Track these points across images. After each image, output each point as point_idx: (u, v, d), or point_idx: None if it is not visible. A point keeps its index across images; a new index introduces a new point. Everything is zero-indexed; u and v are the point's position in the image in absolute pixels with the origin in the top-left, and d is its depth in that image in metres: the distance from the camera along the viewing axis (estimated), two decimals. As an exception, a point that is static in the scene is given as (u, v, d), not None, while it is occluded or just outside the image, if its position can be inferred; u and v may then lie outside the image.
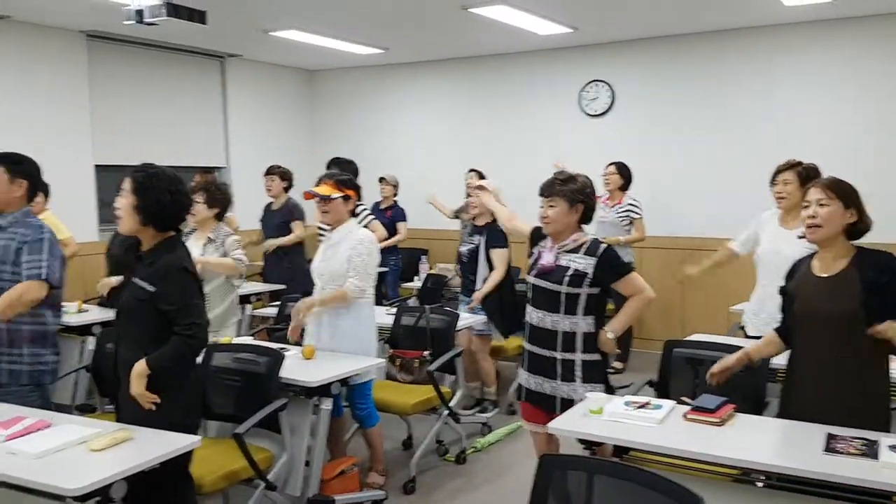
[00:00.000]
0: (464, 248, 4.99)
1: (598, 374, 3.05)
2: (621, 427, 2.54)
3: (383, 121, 8.25)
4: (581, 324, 3.02)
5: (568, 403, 2.96)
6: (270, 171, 5.85)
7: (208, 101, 7.62)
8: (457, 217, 6.72)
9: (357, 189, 3.84)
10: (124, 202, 2.67)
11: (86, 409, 4.06)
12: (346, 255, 3.63)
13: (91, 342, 4.67)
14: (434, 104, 8.00)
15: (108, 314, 4.61)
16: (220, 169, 7.74)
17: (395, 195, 7.01)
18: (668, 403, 2.71)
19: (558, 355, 3.04)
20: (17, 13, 5.69)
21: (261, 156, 7.48)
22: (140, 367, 2.60)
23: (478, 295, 4.79)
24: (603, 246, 3.06)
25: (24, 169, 3.22)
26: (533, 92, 7.37)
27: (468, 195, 5.19)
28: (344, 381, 3.43)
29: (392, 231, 6.63)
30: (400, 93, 8.16)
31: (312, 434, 3.35)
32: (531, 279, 3.11)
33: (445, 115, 7.92)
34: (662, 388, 3.27)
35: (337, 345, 3.67)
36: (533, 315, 3.10)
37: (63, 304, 3.56)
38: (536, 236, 3.25)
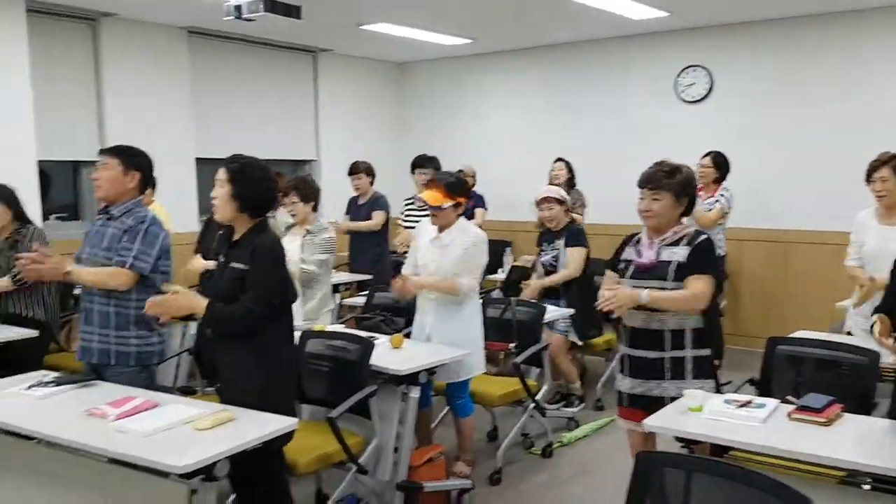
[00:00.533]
0: (547, 257, 4.95)
1: (708, 370, 2.96)
2: (722, 426, 2.46)
3: (469, 111, 8.24)
4: (689, 320, 2.93)
5: None
6: (356, 170, 5.97)
7: (300, 95, 7.80)
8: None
9: (466, 192, 3.86)
10: (221, 191, 2.80)
11: (187, 392, 4.25)
12: (458, 253, 3.70)
13: (192, 327, 4.90)
14: (521, 93, 7.92)
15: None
16: (310, 162, 7.93)
17: (472, 186, 7.00)
18: (771, 402, 2.61)
19: (667, 355, 2.93)
20: (124, 11, 5.98)
21: (349, 148, 7.63)
22: (198, 305, 2.73)
23: (535, 283, 4.77)
24: (703, 237, 2.96)
25: (137, 161, 3.33)
26: (626, 78, 7.21)
27: (550, 183, 5.13)
28: (432, 371, 3.47)
29: (470, 219, 6.64)
30: (487, 83, 8.13)
31: (400, 421, 3.40)
32: (628, 281, 2.98)
33: (533, 104, 7.84)
34: (764, 387, 3.14)
35: (448, 335, 3.74)
36: (636, 318, 2.96)
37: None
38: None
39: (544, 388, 4.35)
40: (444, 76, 8.39)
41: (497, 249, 6.96)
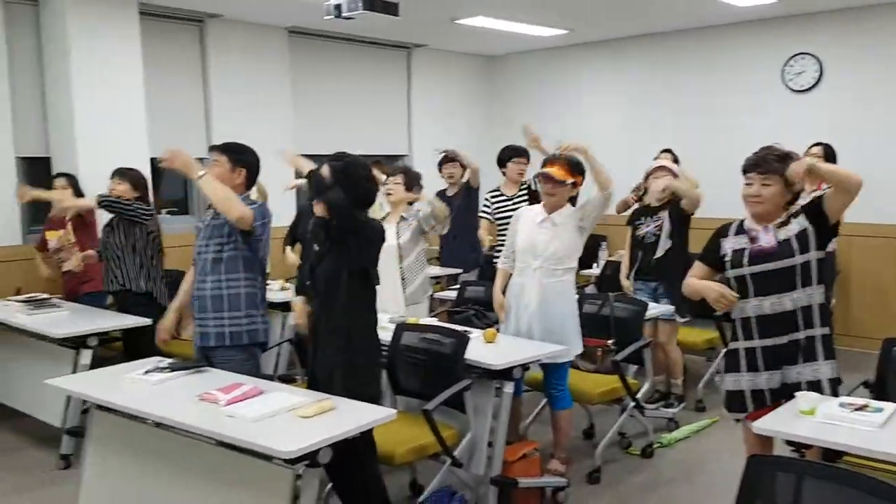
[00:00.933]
0: (650, 228, 4.80)
1: (833, 350, 2.88)
2: (837, 430, 2.34)
3: (563, 104, 8.13)
4: (815, 294, 2.83)
5: (814, 386, 2.77)
6: (451, 159, 5.96)
7: (394, 91, 7.91)
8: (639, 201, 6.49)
9: (584, 174, 3.83)
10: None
11: (286, 380, 4.39)
12: (571, 233, 3.71)
13: (291, 317, 5.06)
14: (618, 84, 7.76)
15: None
16: (403, 157, 8.03)
17: None
18: (889, 406, 2.46)
19: (801, 335, 2.83)
20: (229, 12, 6.22)
21: (443, 144, 7.66)
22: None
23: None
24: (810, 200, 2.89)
25: (245, 158, 3.45)
26: (730, 67, 6.94)
27: (647, 176, 4.98)
28: (526, 367, 3.45)
29: None
30: (583, 74, 8.00)
31: (494, 416, 3.39)
32: (747, 270, 2.86)
33: (630, 95, 7.66)
34: (880, 390, 2.96)
35: (552, 323, 3.72)
36: (764, 304, 2.85)
37: (268, 281, 3.85)
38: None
39: (645, 386, 4.25)
40: (538, 68, 8.31)
41: (592, 244, 6.87)
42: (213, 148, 3.52)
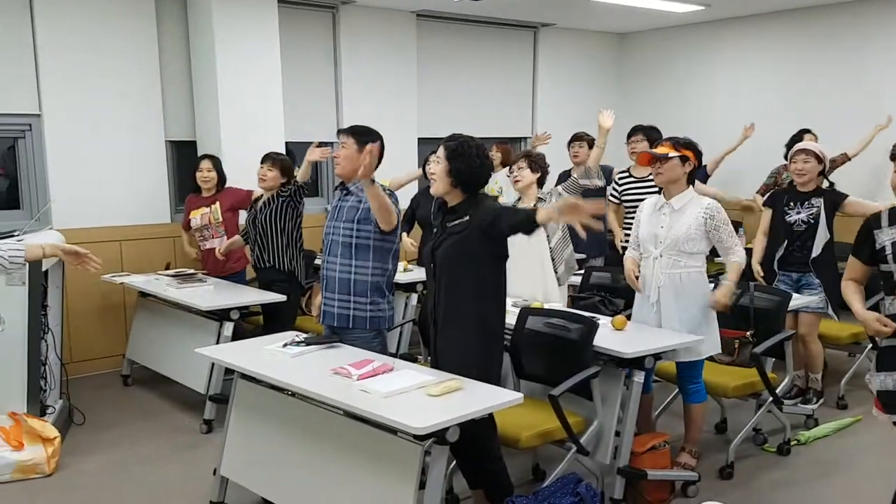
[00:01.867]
0: (802, 215, 4.49)
1: None
2: None
3: (697, 82, 7.79)
4: None
5: None
6: (578, 138, 5.83)
7: (519, 72, 7.84)
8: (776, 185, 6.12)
9: (697, 152, 3.67)
10: (438, 168, 2.94)
11: (408, 359, 4.47)
12: (691, 222, 3.54)
13: (414, 298, 5.16)
14: (758, 62, 7.33)
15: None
16: (526, 139, 7.96)
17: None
18: None
19: None
20: (357, -2, 6.37)
21: (565, 124, 7.52)
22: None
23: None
24: None
25: (370, 140, 3.48)
26: (882, 43, 6.40)
27: (791, 160, 4.65)
28: (658, 356, 3.34)
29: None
30: (718, 51, 7.62)
31: (623, 405, 3.31)
32: None
33: (770, 74, 7.22)
34: None
35: (679, 315, 3.59)
36: None
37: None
38: None
39: (786, 381, 4.02)
40: (670, 45, 7.99)
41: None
42: (340, 131, 3.62)
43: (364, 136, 3.51)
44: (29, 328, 3.78)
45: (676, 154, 3.55)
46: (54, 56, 5.20)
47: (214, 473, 3.37)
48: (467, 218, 2.88)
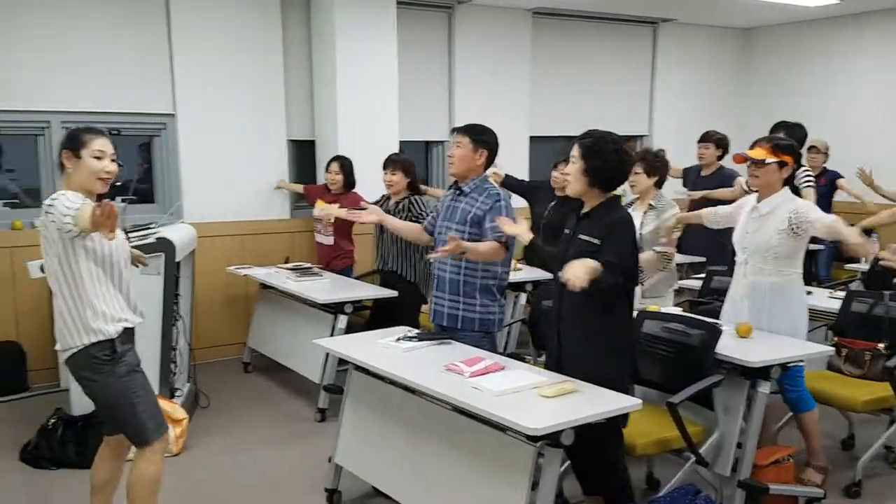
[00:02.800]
0: None
1: None
2: None
3: (830, 79, 7.34)
4: None
5: None
6: (706, 138, 5.64)
7: (636, 69, 7.65)
8: None
9: (796, 155, 3.47)
10: (573, 167, 2.84)
11: (516, 359, 4.43)
12: (777, 225, 3.36)
13: (522, 297, 5.13)
14: (897, 57, 6.84)
15: (536, 273, 5.00)
16: (642, 137, 7.75)
17: (824, 162, 6.22)
18: None
19: None
20: (476, -3, 6.39)
21: (685, 122, 7.30)
22: (591, 266, 2.61)
23: None
24: None
25: (485, 139, 3.50)
26: None
27: None
28: (785, 366, 3.17)
29: (827, 201, 5.89)
30: (853, 46, 7.15)
31: (745, 416, 3.16)
32: None
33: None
34: None
35: (763, 323, 3.44)
36: None
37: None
38: None
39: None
40: (801, 40, 7.57)
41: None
42: (455, 130, 3.62)
43: (479, 134, 3.50)
44: (163, 315, 4.02)
45: (774, 160, 3.36)
46: (188, 60, 5.51)
47: (329, 461, 3.47)
48: (597, 242, 2.73)
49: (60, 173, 2.71)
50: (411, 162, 4.85)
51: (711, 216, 3.90)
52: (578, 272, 2.56)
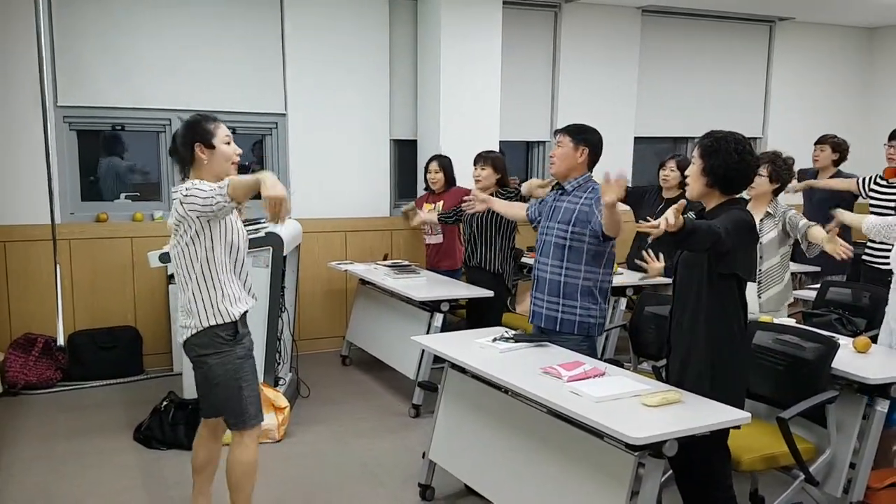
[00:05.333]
0: None
1: None
2: None
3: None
4: None
5: None
6: (822, 141, 5.39)
7: (750, 69, 7.34)
8: None
9: None
10: (692, 168, 2.76)
11: (615, 364, 4.35)
12: None
13: (622, 303, 5.02)
14: None
15: (636, 277, 4.89)
16: (755, 140, 7.44)
17: None
18: None
19: None
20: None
21: (802, 126, 6.95)
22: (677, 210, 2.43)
23: None
24: None
25: (586, 138, 3.46)
26: None
27: None
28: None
29: None
30: None
31: (860, 436, 2.98)
32: None
33: None
34: None
35: None
36: None
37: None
38: None
39: None
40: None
41: None
42: (556, 131, 3.59)
43: (580, 134, 3.47)
44: (269, 306, 4.17)
45: None
46: (300, 62, 5.70)
47: (423, 457, 3.51)
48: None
49: (188, 166, 2.79)
50: (501, 159, 4.86)
51: (872, 228, 3.65)
52: (670, 215, 2.38)
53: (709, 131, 2.77)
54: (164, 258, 3.90)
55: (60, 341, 5.02)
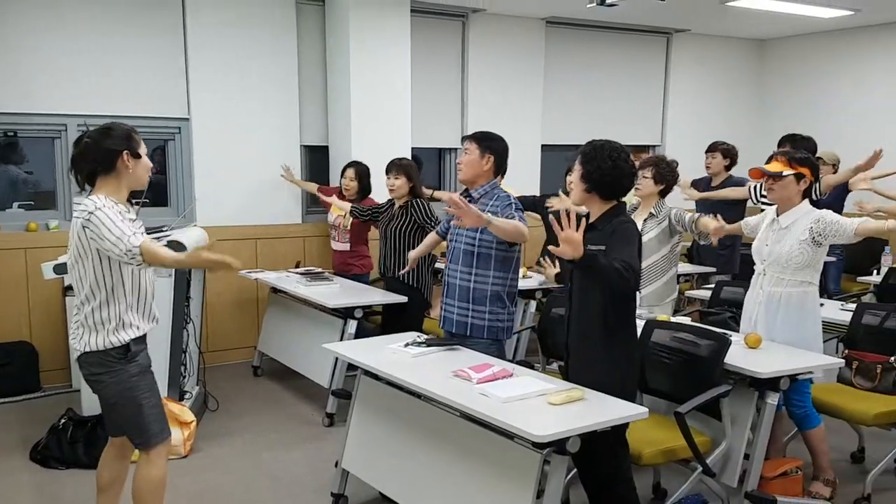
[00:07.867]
0: None
1: None
2: None
3: (844, 91, 7.32)
4: None
5: None
6: (713, 148, 5.66)
7: (649, 79, 7.65)
8: None
9: (814, 168, 3.47)
10: (574, 174, 2.86)
11: (524, 366, 4.43)
12: (797, 237, 3.38)
13: (532, 305, 5.12)
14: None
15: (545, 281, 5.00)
16: (654, 147, 7.75)
17: (834, 173, 6.18)
18: None
19: None
20: (492, 6, 6.39)
21: (698, 133, 7.29)
22: (578, 239, 2.55)
23: None
24: None
25: (493, 146, 3.51)
26: None
27: None
28: (794, 378, 3.15)
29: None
30: (867, 59, 7.13)
31: (753, 427, 3.15)
32: None
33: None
34: None
35: (777, 334, 3.45)
36: None
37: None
38: None
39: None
40: (815, 52, 7.56)
41: (871, 248, 6.12)
42: (464, 137, 3.65)
43: (485, 141, 3.51)
44: (173, 318, 4.05)
45: (791, 172, 3.37)
46: (203, 66, 5.57)
47: (336, 465, 3.48)
48: (604, 248, 2.69)
49: (98, 177, 2.66)
50: (414, 166, 4.87)
51: (745, 227, 3.89)
52: (573, 237, 2.51)
53: (590, 140, 2.88)
54: (60, 269, 3.72)
55: (-51, 359, 4.72)
